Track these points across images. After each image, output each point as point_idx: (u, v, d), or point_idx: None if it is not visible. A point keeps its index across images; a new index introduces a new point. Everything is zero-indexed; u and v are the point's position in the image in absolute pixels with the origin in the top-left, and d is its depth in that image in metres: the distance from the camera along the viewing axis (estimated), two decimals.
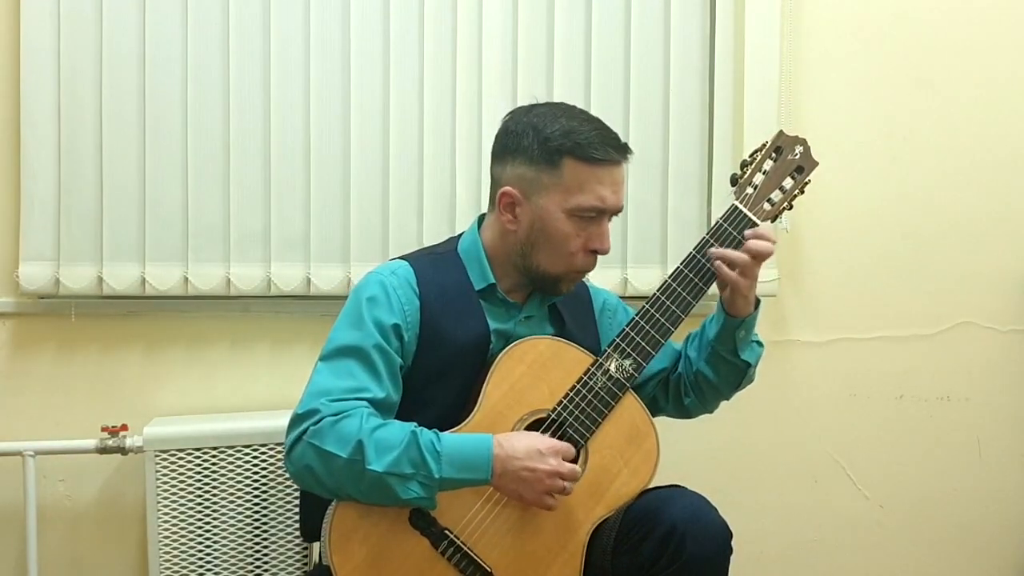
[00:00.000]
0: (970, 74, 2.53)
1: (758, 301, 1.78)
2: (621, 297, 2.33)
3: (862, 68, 2.50)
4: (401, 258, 1.77)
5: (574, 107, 1.75)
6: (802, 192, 1.79)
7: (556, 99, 2.27)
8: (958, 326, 2.56)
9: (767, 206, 1.75)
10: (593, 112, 2.31)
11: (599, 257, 1.73)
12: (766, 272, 2.39)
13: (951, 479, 2.59)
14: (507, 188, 1.70)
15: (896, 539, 2.58)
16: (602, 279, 2.36)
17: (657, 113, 2.40)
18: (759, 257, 1.69)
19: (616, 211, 1.71)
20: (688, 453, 1.90)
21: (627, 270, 2.38)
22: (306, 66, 2.26)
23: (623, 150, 1.69)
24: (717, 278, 1.71)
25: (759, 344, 1.85)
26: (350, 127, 2.28)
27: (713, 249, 1.70)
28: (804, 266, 2.51)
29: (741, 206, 1.73)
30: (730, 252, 1.68)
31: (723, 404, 1.91)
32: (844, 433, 2.55)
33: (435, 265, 1.75)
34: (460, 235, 1.82)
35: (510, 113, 1.76)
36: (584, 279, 1.92)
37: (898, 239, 2.54)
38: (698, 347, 1.84)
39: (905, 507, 2.58)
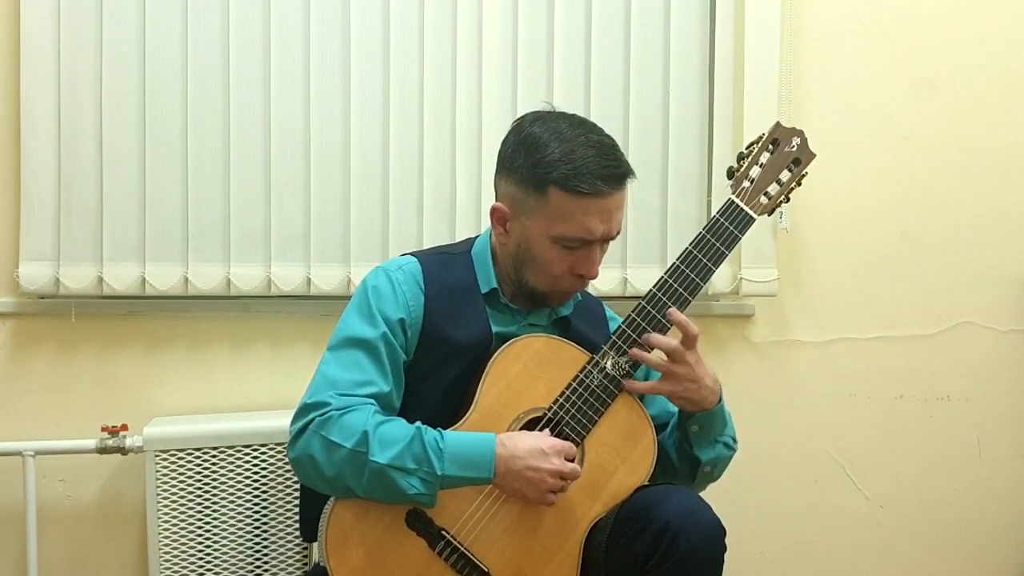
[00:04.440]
0: (970, 74, 2.53)
1: (720, 400, 1.70)
2: (621, 297, 2.35)
3: (862, 68, 2.50)
4: (412, 254, 1.78)
5: (583, 124, 1.66)
6: (799, 185, 1.75)
7: (556, 99, 2.29)
8: (958, 326, 2.56)
9: (764, 200, 1.72)
10: (592, 113, 2.35)
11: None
12: (766, 272, 2.42)
13: (951, 479, 2.58)
14: (498, 204, 1.69)
15: (896, 539, 2.57)
16: (602, 279, 2.34)
17: (657, 113, 2.40)
18: (674, 358, 1.64)
19: (608, 238, 1.65)
20: None
21: (627, 270, 2.38)
22: (306, 66, 2.26)
23: (616, 180, 1.61)
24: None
25: (727, 447, 1.76)
26: (350, 127, 2.28)
27: (633, 351, 1.65)
28: (804, 266, 2.51)
29: (738, 200, 1.71)
30: (651, 358, 1.64)
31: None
32: (844, 433, 2.55)
33: (445, 264, 1.75)
34: (477, 236, 1.81)
35: (518, 120, 1.70)
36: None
37: (898, 239, 2.53)
38: (672, 427, 1.79)
39: (905, 507, 2.57)
